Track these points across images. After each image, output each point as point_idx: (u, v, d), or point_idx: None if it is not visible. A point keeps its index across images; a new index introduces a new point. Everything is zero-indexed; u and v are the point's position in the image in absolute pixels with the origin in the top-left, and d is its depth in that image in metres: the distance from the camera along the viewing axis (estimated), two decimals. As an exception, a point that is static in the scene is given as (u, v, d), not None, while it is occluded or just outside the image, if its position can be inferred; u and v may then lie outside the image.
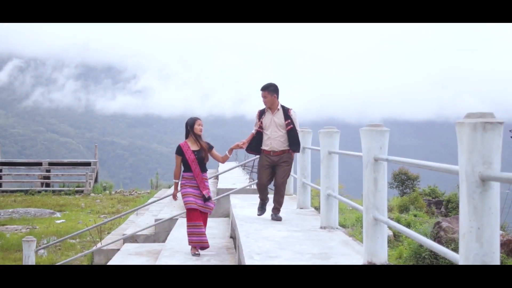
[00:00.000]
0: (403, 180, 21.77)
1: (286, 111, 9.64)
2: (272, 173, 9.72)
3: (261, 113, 9.79)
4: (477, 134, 3.73)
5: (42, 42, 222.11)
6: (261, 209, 9.96)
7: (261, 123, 9.73)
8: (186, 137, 9.41)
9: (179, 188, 9.51)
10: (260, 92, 9.68)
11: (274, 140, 9.58)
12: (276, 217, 9.56)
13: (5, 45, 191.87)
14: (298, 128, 9.77)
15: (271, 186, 10.07)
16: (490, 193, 3.75)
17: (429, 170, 5.20)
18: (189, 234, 9.25)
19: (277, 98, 9.66)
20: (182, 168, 9.39)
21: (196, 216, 9.17)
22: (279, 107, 9.67)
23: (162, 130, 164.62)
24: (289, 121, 9.58)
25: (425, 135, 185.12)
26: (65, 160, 35.18)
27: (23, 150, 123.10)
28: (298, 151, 9.96)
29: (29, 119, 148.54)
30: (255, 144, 9.79)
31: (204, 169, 9.38)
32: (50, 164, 32.09)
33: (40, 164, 32.12)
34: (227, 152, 9.48)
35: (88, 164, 32.18)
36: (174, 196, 9.78)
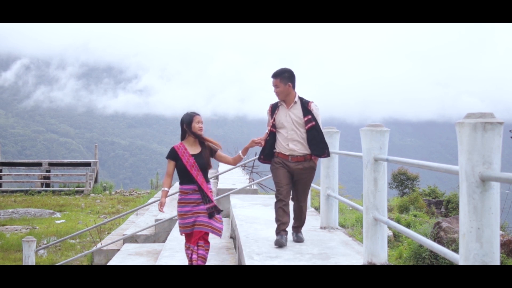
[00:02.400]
0: (402, 180, 21.78)
1: (305, 105, 7.61)
2: (291, 180, 7.68)
3: (274, 108, 7.78)
4: (477, 134, 3.74)
5: (43, 42, 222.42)
6: (280, 234, 7.48)
7: (274, 120, 7.70)
8: (182, 138, 7.53)
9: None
10: (271, 80, 7.66)
11: (293, 141, 7.55)
12: (297, 237, 7.78)
13: (6, 45, 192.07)
14: (321, 126, 7.70)
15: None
16: (490, 193, 3.75)
17: (428, 170, 5.21)
18: (188, 255, 7.44)
19: (293, 87, 7.62)
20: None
21: (196, 238, 7.33)
22: (296, 99, 7.64)
23: (162, 130, 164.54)
24: (310, 117, 7.53)
25: (425, 135, 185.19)
26: (65, 160, 35.15)
27: (23, 150, 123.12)
28: (325, 155, 7.68)
29: (29, 119, 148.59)
30: (269, 150, 7.75)
31: (207, 179, 7.46)
32: (50, 164, 32.08)
33: (40, 164, 32.11)
34: (240, 152, 7.62)
35: (88, 164, 32.18)
36: (162, 205, 7.35)
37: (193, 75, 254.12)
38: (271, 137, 7.74)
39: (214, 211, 7.28)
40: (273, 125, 7.73)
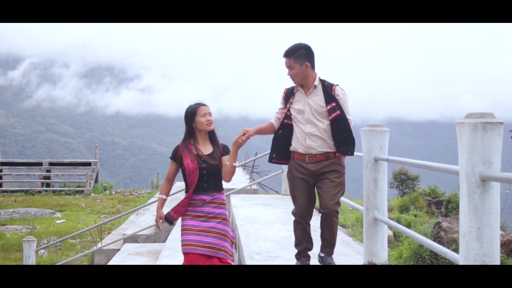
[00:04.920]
0: (403, 180, 21.76)
1: (328, 89, 6.03)
2: (312, 192, 6.21)
3: (289, 94, 6.22)
4: (477, 134, 3.74)
5: (43, 42, 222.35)
6: (301, 260, 6.36)
7: (289, 109, 6.17)
8: (189, 135, 6.00)
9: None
10: (284, 60, 6.11)
11: (312, 136, 6.01)
12: (325, 260, 6.22)
13: (6, 45, 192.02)
14: (349, 117, 6.04)
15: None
16: (490, 193, 3.75)
17: (429, 170, 5.21)
18: None
19: (312, 68, 6.07)
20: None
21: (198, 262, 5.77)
22: (316, 82, 6.07)
23: (163, 130, 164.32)
24: (334, 104, 5.96)
25: (425, 135, 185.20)
26: (66, 160, 35.14)
27: (23, 150, 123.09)
28: (351, 153, 6.13)
29: (29, 119, 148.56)
30: (282, 148, 6.27)
31: (218, 186, 5.93)
32: (51, 164, 32.08)
33: (40, 164, 32.11)
34: (226, 161, 5.92)
35: (89, 164, 32.17)
36: (159, 220, 6.04)
37: (195, 74, 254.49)
38: (286, 130, 6.21)
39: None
40: (287, 116, 6.19)
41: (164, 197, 6.10)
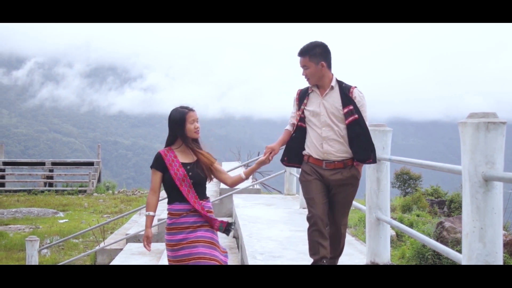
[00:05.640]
0: (405, 180, 21.77)
1: (346, 91, 5.68)
2: (327, 196, 5.77)
3: (303, 96, 5.86)
4: (480, 134, 3.74)
5: (47, 42, 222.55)
6: None
7: (303, 111, 5.80)
8: (171, 142, 5.62)
9: (153, 228, 5.73)
10: (298, 59, 5.77)
11: (329, 141, 5.64)
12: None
13: (8, 45, 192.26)
14: (367, 122, 5.72)
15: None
16: (493, 193, 3.75)
17: (431, 170, 5.21)
18: None
19: (329, 68, 5.71)
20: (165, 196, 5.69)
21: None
22: (333, 83, 5.72)
23: (165, 130, 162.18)
24: (351, 107, 5.60)
25: (428, 135, 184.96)
26: (68, 160, 35.16)
27: (26, 149, 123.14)
28: (372, 161, 5.75)
29: (32, 119, 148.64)
30: (296, 151, 5.90)
31: (201, 195, 5.50)
32: (53, 164, 32.07)
33: (43, 164, 32.10)
34: (242, 173, 5.70)
35: (91, 164, 32.15)
36: (147, 241, 5.49)
37: (198, 73, 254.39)
38: (300, 133, 5.86)
39: (229, 227, 5.50)
40: (301, 119, 5.81)
41: (152, 213, 5.53)
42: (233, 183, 5.73)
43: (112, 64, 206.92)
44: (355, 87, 5.72)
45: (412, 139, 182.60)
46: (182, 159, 5.46)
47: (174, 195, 5.42)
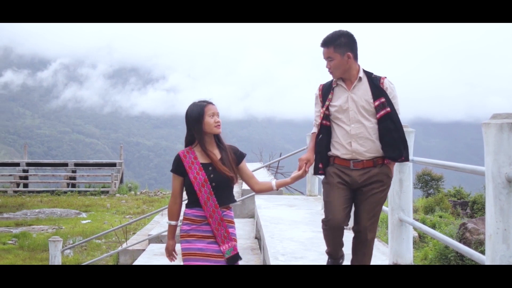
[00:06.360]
0: (427, 181, 21.68)
1: (376, 82, 5.11)
2: (351, 203, 5.21)
3: (326, 91, 5.27)
4: (504, 135, 3.72)
5: (69, 44, 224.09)
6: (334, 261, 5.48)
7: (327, 108, 5.20)
8: (190, 141, 5.00)
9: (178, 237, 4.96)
10: (322, 50, 5.19)
11: (359, 139, 5.06)
12: None
13: (28, 47, 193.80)
14: (400, 115, 5.16)
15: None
16: (517, 194, 3.73)
17: (453, 171, 5.18)
18: None
19: (356, 59, 5.12)
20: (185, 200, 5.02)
21: None
22: (361, 74, 5.14)
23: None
24: (383, 100, 5.04)
25: (450, 135, 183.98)
26: (91, 161, 35.35)
27: (49, 151, 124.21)
28: (405, 159, 5.18)
29: (55, 120, 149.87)
30: (325, 154, 5.26)
31: (224, 200, 4.89)
32: (76, 165, 32.29)
33: (66, 164, 32.33)
34: (274, 184, 5.14)
35: (114, 165, 32.31)
36: (170, 253, 5.06)
37: (221, 74, 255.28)
38: (326, 134, 5.24)
39: (237, 258, 4.85)
40: (326, 116, 5.22)
41: (173, 222, 5.04)
42: (260, 190, 5.19)
43: (134, 65, 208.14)
44: (385, 77, 5.16)
45: (434, 140, 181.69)
46: (203, 160, 4.87)
47: (195, 200, 4.83)
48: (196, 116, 4.85)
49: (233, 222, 4.93)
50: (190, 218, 4.85)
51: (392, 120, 5.02)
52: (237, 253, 4.85)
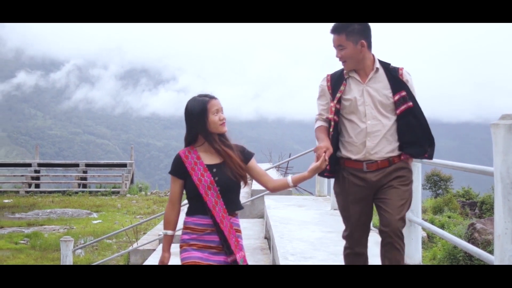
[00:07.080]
0: (435, 182, 21.63)
1: (394, 73, 4.63)
2: (371, 212, 4.84)
3: (336, 82, 4.73)
4: (512, 136, 3.73)
5: (80, 45, 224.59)
6: None
7: (338, 101, 4.66)
8: (192, 140, 4.42)
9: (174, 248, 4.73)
10: (332, 37, 4.69)
11: (374, 137, 4.56)
12: None
13: (40, 48, 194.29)
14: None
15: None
16: (525, 194, 3.74)
17: (461, 172, 5.19)
18: None
19: (369, 48, 4.64)
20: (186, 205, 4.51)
21: None
22: (377, 65, 4.66)
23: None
24: (404, 93, 4.56)
25: (459, 136, 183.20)
26: (102, 162, 35.46)
27: (60, 151, 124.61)
28: (428, 157, 4.74)
29: (66, 121, 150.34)
30: (335, 157, 4.67)
31: (231, 206, 4.33)
32: (87, 165, 32.39)
33: (77, 165, 32.44)
34: (290, 180, 4.39)
35: (124, 165, 32.38)
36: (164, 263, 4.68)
37: (231, 75, 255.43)
38: (336, 131, 4.69)
39: None
40: (337, 111, 4.65)
41: (170, 232, 4.56)
42: (275, 188, 4.47)
43: (145, 66, 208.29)
44: (403, 68, 4.69)
45: (443, 140, 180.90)
46: (208, 160, 4.31)
47: (198, 206, 4.29)
48: (199, 114, 4.26)
49: (240, 231, 4.40)
50: (190, 226, 4.38)
51: (414, 115, 4.57)
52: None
